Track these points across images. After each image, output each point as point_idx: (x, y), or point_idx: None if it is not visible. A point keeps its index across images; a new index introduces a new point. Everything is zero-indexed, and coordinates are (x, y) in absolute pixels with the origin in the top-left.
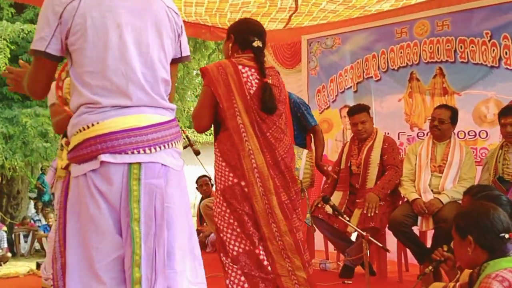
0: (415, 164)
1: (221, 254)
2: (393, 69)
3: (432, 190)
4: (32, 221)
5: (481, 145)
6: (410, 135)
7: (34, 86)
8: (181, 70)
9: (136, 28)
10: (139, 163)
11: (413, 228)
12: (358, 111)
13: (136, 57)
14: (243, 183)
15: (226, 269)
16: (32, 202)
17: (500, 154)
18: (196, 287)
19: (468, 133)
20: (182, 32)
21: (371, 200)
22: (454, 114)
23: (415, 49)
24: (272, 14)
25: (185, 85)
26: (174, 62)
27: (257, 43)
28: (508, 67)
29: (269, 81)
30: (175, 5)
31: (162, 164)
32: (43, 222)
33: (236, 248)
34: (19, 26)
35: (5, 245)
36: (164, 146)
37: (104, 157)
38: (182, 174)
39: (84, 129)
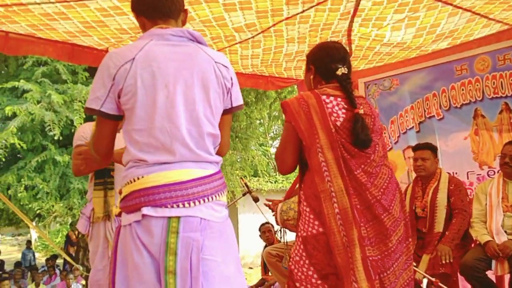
0: (486, 204)
1: None
2: (456, 107)
3: (505, 231)
4: None
5: None
6: (480, 174)
7: (97, 144)
8: (244, 121)
9: (183, 86)
10: (178, 217)
11: (487, 272)
12: (421, 148)
13: (182, 115)
14: None
15: None
16: None
17: None
18: None
19: None
20: (232, 84)
21: (443, 250)
22: None
23: (477, 85)
24: None
25: (248, 134)
26: (226, 112)
27: (341, 71)
28: None
29: (361, 111)
30: (226, 59)
31: (201, 218)
32: None
33: None
34: None
35: None
36: (204, 200)
37: (145, 210)
38: (226, 224)
39: (131, 182)
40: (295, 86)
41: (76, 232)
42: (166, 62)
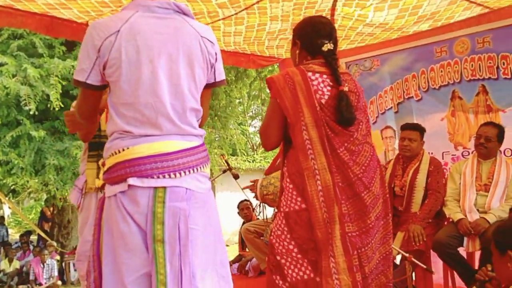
0: (460, 184)
1: (277, 277)
2: (434, 88)
3: (478, 210)
4: None
5: None
6: (455, 155)
7: (82, 113)
8: (223, 99)
9: (168, 61)
10: (164, 187)
11: (459, 249)
12: (410, 128)
13: (167, 90)
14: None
15: None
16: None
17: None
18: None
19: None
20: (216, 59)
21: (415, 230)
22: (501, 131)
23: (456, 67)
24: None
25: (228, 113)
26: (209, 87)
27: (327, 46)
28: None
29: (345, 89)
30: (211, 33)
31: (187, 188)
32: None
33: (294, 274)
34: (70, 63)
35: (56, 273)
36: (189, 171)
37: (131, 181)
38: (209, 195)
39: (115, 153)
40: (275, 66)
41: (51, 209)
42: (151, 35)
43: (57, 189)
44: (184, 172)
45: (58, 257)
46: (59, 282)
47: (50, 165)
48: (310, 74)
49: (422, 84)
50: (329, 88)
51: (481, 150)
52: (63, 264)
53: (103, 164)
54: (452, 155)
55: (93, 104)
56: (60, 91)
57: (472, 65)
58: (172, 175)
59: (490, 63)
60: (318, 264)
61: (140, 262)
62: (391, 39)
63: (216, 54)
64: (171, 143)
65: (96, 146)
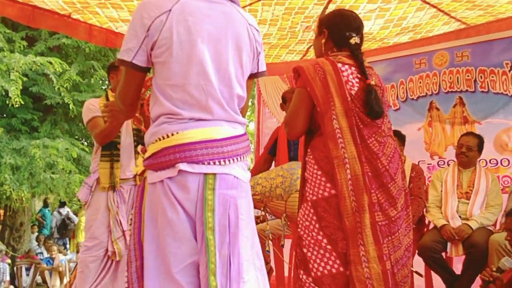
0: (441, 191)
1: (301, 271)
2: (412, 99)
3: (460, 216)
4: (35, 254)
5: (503, 173)
6: (430, 164)
7: (125, 96)
8: None
9: (217, 44)
10: (214, 174)
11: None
12: None
13: (215, 74)
14: None
15: None
16: (34, 235)
17: None
18: None
19: (490, 161)
20: (261, 49)
21: None
22: (481, 142)
23: (434, 79)
24: (291, 46)
25: None
26: (251, 77)
27: (354, 40)
28: None
29: (372, 82)
30: (256, 22)
31: (234, 176)
32: (45, 255)
33: (321, 269)
34: (31, 59)
35: (7, 278)
36: (237, 158)
37: (182, 166)
38: (249, 186)
39: (163, 138)
40: None
41: (2, 211)
42: (202, 18)
43: (13, 190)
44: (233, 160)
45: (9, 261)
46: (11, 287)
47: (5, 164)
48: (340, 65)
49: (401, 94)
50: (357, 80)
51: (462, 159)
52: (15, 268)
53: (143, 151)
54: (428, 164)
55: (136, 86)
56: (21, 87)
57: (450, 77)
58: (222, 162)
59: (468, 76)
60: (347, 256)
61: (187, 251)
62: (371, 49)
63: (261, 43)
64: (221, 129)
65: (109, 147)
